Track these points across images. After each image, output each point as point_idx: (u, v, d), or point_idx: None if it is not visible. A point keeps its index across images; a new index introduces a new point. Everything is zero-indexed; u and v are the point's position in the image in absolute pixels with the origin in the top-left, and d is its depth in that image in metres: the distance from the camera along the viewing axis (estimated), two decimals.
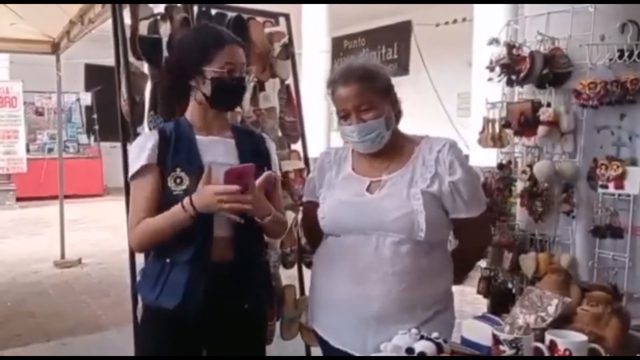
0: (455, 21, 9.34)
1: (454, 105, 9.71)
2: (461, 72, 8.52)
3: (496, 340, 1.52)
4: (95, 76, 12.43)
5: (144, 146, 1.83)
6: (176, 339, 1.82)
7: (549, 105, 2.31)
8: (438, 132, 1.95)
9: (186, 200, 1.72)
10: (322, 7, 8.78)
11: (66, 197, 6.75)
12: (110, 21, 2.85)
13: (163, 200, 1.80)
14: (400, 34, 10.35)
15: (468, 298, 2.81)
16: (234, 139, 1.92)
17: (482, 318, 1.73)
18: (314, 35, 8.71)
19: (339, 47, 11.40)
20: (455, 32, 9.17)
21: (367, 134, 1.80)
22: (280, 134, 3.12)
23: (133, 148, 1.87)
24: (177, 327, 1.81)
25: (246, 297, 1.87)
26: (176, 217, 1.73)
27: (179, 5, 2.81)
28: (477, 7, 6.82)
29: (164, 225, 1.77)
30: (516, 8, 6.17)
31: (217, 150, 1.87)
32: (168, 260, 1.82)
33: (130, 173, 1.84)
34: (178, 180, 1.79)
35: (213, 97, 1.85)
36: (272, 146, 2.03)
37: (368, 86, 1.80)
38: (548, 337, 1.54)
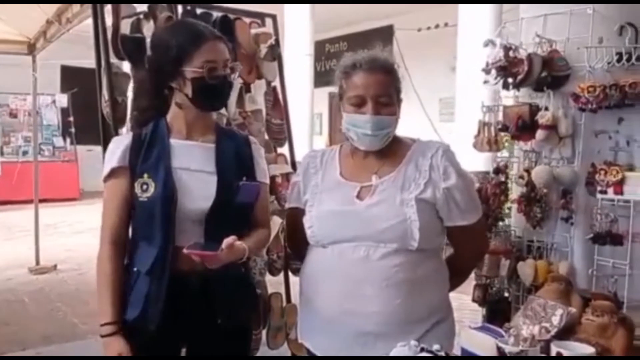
0: (437, 26, 9.40)
1: (435, 110, 9.74)
2: (444, 77, 8.56)
3: (501, 353, 1.47)
4: (72, 78, 12.24)
5: (116, 148, 1.79)
6: (147, 350, 1.74)
7: (547, 109, 2.27)
8: (420, 137, 1.88)
9: (104, 329, 1.71)
10: (306, 11, 8.77)
11: (41, 201, 6.60)
12: (88, 21, 2.77)
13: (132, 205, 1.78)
14: (382, 38, 10.32)
15: (463, 306, 2.76)
16: (216, 143, 1.84)
17: (482, 328, 1.67)
18: (295, 38, 8.70)
19: (321, 50, 11.41)
20: (438, 37, 9.22)
21: (381, 128, 1.71)
22: (266, 136, 3.05)
23: (108, 150, 1.83)
24: (147, 339, 1.73)
25: (219, 312, 1.79)
26: (99, 310, 1.75)
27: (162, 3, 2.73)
28: (462, 12, 6.84)
29: (98, 293, 1.77)
30: (500, 13, 6.21)
31: (192, 156, 1.79)
32: (135, 269, 1.76)
33: (103, 175, 1.80)
34: (144, 187, 1.73)
35: (195, 99, 1.76)
36: (258, 151, 1.93)
37: (391, 80, 1.75)
38: (554, 349, 1.51)
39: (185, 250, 1.62)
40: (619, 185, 2.12)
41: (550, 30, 2.33)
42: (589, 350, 1.50)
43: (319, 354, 1.81)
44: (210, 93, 1.76)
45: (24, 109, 11.89)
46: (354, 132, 1.74)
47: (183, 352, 1.90)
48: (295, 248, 2.03)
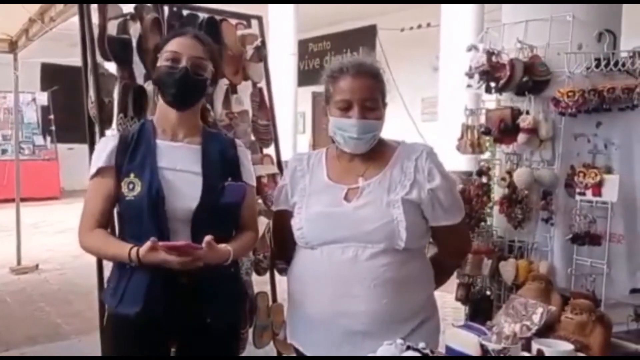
0: (420, 26, 9.45)
1: (418, 110, 9.80)
2: (426, 77, 8.61)
3: (484, 350, 1.51)
4: (52, 76, 12.11)
5: (103, 149, 1.82)
6: (139, 347, 1.77)
7: (528, 112, 2.31)
8: (402, 137, 1.93)
9: (133, 252, 1.67)
10: (290, 10, 8.77)
11: (21, 200, 6.53)
12: (70, 20, 2.77)
13: (118, 205, 1.81)
14: (365, 37, 10.39)
15: (447, 304, 2.81)
16: (202, 145, 1.86)
17: (465, 327, 1.72)
18: (279, 37, 8.69)
19: (305, 49, 11.41)
20: (420, 37, 9.27)
21: (367, 132, 1.75)
22: (253, 137, 3.07)
23: (95, 150, 1.87)
24: (140, 336, 1.76)
25: (209, 312, 1.81)
26: (120, 257, 1.73)
27: (149, 5, 2.73)
28: (444, 13, 6.89)
29: (108, 255, 1.82)
30: (482, 13, 6.26)
31: (178, 157, 1.81)
32: (128, 266, 1.76)
33: (89, 175, 1.83)
34: (130, 186, 1.75)
35: (159, 89, 1.83)
36: (244, 153, 1.95)
37: (377, 85, 1.78)
38: (535, 346, 1.55)
39: (160, 243, 1.63)
40: (597, 187, 2.15)
41: (531, 36, 2.37)
42: (568, 347, 1.54)
43: (309, 354, 1.83)
44: (167, 81, 1.79)
45: (3, 107, 11.73)
46: (340, 136, 1.78)
47: (172, 352, 1.92)
48: (282, 249, 2.04)
